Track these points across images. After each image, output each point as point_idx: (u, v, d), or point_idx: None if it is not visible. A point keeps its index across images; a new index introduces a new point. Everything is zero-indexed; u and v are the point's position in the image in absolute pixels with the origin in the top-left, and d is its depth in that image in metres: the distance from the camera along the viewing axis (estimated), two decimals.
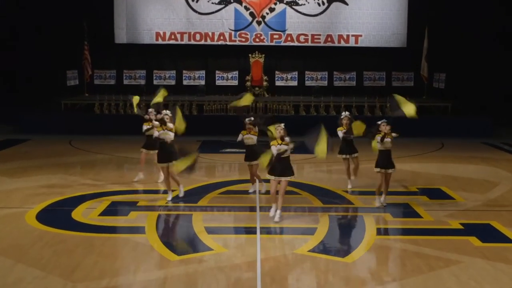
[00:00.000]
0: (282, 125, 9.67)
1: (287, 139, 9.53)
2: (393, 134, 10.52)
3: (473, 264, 7.91)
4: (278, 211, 9.75)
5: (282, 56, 23.32)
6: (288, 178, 9.73)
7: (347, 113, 12.15)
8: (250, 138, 11.12)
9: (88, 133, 19.03)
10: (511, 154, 16.70)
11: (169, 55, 23.27)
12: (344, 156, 12.05)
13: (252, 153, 11.00)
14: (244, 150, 11.37)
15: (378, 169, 10.60)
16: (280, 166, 9.61)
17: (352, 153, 12.04)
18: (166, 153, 10.76)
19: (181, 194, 11.18)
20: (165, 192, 11.25)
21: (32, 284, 7.11)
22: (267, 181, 10.41)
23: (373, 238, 8.99)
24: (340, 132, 11.79)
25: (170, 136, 10.75)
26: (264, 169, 9.88)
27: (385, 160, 10.53)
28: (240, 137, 11.18)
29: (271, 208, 9.97)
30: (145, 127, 12.08)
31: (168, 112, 10.93)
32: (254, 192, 11.55)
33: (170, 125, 10.75)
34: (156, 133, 10.80)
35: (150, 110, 12.01)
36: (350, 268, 7.80)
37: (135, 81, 23.02)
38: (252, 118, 11.19)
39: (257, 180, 11.62)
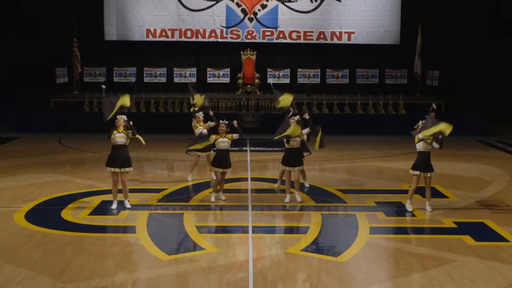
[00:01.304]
0: (297, 117, 10.77)
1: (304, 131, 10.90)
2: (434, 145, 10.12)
3: (466, 263, 7.88)
4: (297, 193, 10.74)
5: (274, 53, 23.24)
6: (301, 167, 10.79)
7: (297, 117, 11.51)
8: (225, 142, 10.61)
9: (78, 131, 18.89)
10: (504, 151, 16.70)
11: (160, 52, 23.12)
12: None
13: (225, 159, 10.63)
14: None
15: (417, 172, 10.16)
16: (293, 157, 10.66)
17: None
18: (119, 158, 10.26)
19: (128, 206, 10.37)
20: (160, 191, 11.15)
21: (21, 285, 7.01)
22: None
23: (366, 237, 8.93)
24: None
25: (125, 141, 10.28)
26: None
27: (424, 163, 10.16)
28: (204, 132, 10.99)
29: (285, 198, 10.75)
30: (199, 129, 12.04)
31: (124, 116, 10.33)
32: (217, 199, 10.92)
33: (129, 131, 10.26)
34: (117, 135, 10.26)
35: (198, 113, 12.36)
36: (343, 268, 7.74)
37: (125, 79, 22.84)
38: (226, 122, 10.77)
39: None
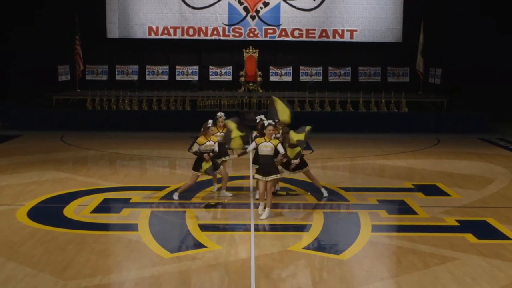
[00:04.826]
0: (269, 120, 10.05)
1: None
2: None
3: (468, 261, 7.87)
4: (267, 209, 9.71)
5: (277, 51, 23.26)
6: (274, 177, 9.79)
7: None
8: (268, 146, 9.81)
9: (80, 129, 18.91)
10: (506, 149, 16.67)
11: (162, 50, 23.16)
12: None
13: (266, 167, 9.79)
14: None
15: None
16: (266, 167, 9.76)
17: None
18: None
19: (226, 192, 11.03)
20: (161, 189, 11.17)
21: (23, 282, 7.02)
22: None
23: (368, 235, 8.93)
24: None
25: (213, 147, 10.53)
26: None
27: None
28: (253, 145, 9.99)
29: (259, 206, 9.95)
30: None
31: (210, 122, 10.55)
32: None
33: (214, 137, 10.62)
34: (196, 146, 10.48)
35: (218, 114, 11.59)
36: (345, 265, 7.74)
37: (128, 77, 22.89)
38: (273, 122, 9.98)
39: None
